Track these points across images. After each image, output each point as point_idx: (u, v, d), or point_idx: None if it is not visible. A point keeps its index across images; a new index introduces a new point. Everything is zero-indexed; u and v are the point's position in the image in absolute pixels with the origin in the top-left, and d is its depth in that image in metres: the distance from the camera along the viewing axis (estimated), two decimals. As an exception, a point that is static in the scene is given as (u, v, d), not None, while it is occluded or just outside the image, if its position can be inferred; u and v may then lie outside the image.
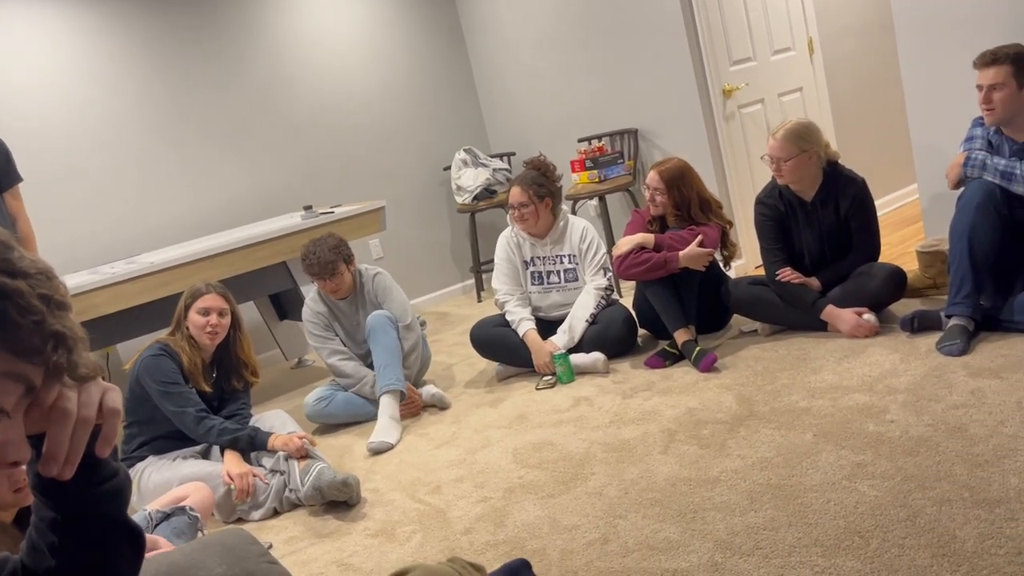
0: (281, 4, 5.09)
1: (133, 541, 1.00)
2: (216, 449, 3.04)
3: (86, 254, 4.40)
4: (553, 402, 3.34)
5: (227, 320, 3.07)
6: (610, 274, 3.76)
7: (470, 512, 2.55)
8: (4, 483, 1.51)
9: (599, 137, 5.00)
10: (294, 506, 2.91)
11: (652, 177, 3.57)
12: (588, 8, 4.87)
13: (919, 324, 3.07)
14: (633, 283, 3.71)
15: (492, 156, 5.60)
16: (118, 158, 4.54)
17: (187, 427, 2.97)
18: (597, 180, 4.78)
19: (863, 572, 1.80)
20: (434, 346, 4.47)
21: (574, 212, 4.87)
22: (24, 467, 0.91)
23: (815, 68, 4.92)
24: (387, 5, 5.52)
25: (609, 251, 3.91)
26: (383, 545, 2.49)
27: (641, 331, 3.79)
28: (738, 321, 3.70)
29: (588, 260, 3.73)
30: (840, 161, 3.39)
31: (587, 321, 3.64)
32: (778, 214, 3.42)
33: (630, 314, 3.70)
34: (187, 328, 3.05)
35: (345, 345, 3.71)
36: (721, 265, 3.71)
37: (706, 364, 3.25)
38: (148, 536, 1.32)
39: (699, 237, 3.43)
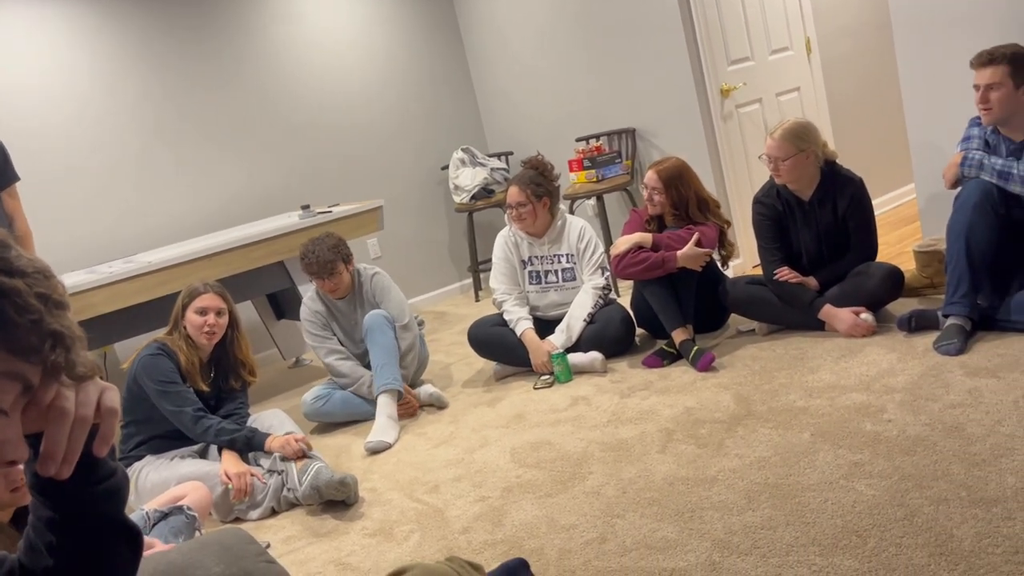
0: (279, 4, 5.08)
1: (131, 540, 1.00)
2: (214, 448, 3.03)
3: (84, 253, 4.40)
4: (551, 401, 3.34)
5: (225, 320, 3.07)
6: (608, 273, 3.76)
7: (468, 511, 2.55)
8: (1, 482, 1.52)
9: (597, 136, 5.00)
10: (292, 505, 2.91)
11: (650, 176, 3.57)
12: (586, 7, 4.87)
13: (916, 323, 3.08)
14: (631, 282, 3.71)
15: (490, 156, 5.60)
16: (116, 158, 4.54)
17: (185, 426, 2.97)
18: (595, 180, 4.78)
19: (860, 571, 1.80)
20: (432, 345, 4.47)
21: (572, 212, 4.87)
22: (22, 466, 0.91)
23: (813, 68, 4.92)
24: (385, 4, 5.52)
25: (607, 250, 3.91)
26: (381, 544, 2.49)
27: (639, 330, 3.79)
28: (736, 320, 3.70)
29: (586, 259, 3.73)
30: (838, 161, 3.39)
31: (585, 320, 3.64)
32: (776, 213, 3.42)
33: (628, 313, 3.70)
34: (185, 328, 3.04)
35: (343, 344, 3.71)
36: (719, 264, 3.71)
37: (704, 363, 3.25)
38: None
39: (696, 236, 3.43)
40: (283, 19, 5.09)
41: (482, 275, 5.37)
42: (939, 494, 2.02)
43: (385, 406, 3.41)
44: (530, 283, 3.85)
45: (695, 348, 3.33)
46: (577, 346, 3.62)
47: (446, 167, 5.60)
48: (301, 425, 3.35)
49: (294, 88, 5.14)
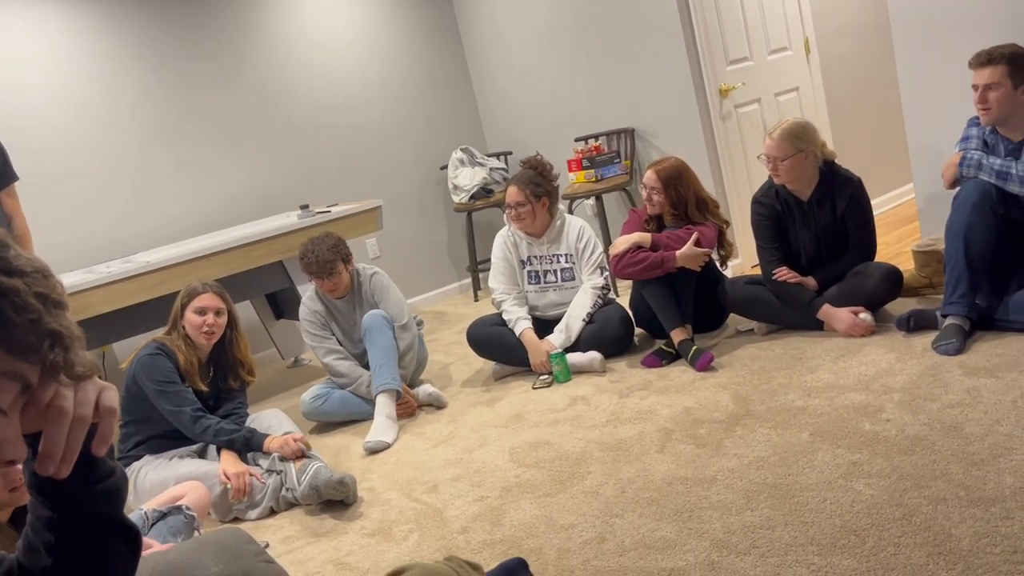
0: (278, 4, 5.08)
1: (129, 540, 1.00)
2: (213, 448, 3.03)
3: (83, 253, 4.40)
4: (550, 401, 3.34)
5: (224, 319, 3.07)
6: (607, 273, 3.76)
7: (467, 511, 2.55)
8: (0, 482, 1.51)
9: (596, 136, 5.00)
10: (291, 505, 2.91)
11: (649, 176, 3.58)
12: (585, 8, 4.87)
13: (915, 323, 3.08)
14: (630, 282, 3.71)
15: (489, 155, 5.60)
16: (115, 157, 4.53)
17: (183, 426, 2.97)
18: (594, 179, 4.78)
19: (859, 571, 1.80)
20: (431, 345, 4.47)
21: (571, 211, 4.87)
22: (20, 466, 0.91)
23: (812, 68, 4.92)
24: (384, 5, 5.51)
25: (606, 250, 3.91)
26: (380, 544, 2.49)
27: (638, 330, 3.79)
28: (734, 320, 3.70)
29: (585, 259, 3.73)
30: (836, 161, 3.39)
31: (584, 320, 3.65)
32: (775, 213, 3.42)
33: (627, 313, 3.70)
34: (183, 327, 3.04)
35: (341, 344, 3.71)
36: (718, 264, 3.71)
37: (702, 363, 3.25)
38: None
39: (695, 236, 3.43)
40: (283, 19, 5.09)
41: (481, 275, 5.37)
42: (937, 494, 2.02)
43: (384, 406, 3.41)
44: (529, 283, 3.85)
45: (694, 348, 3.33)
46: (576, 346, 3.62)
47: (445, 167, 5.60)
48: (300, 425, 3.35)
49: (293, 88, 5.14)
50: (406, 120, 5.61)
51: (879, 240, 3.49)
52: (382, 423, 3.35)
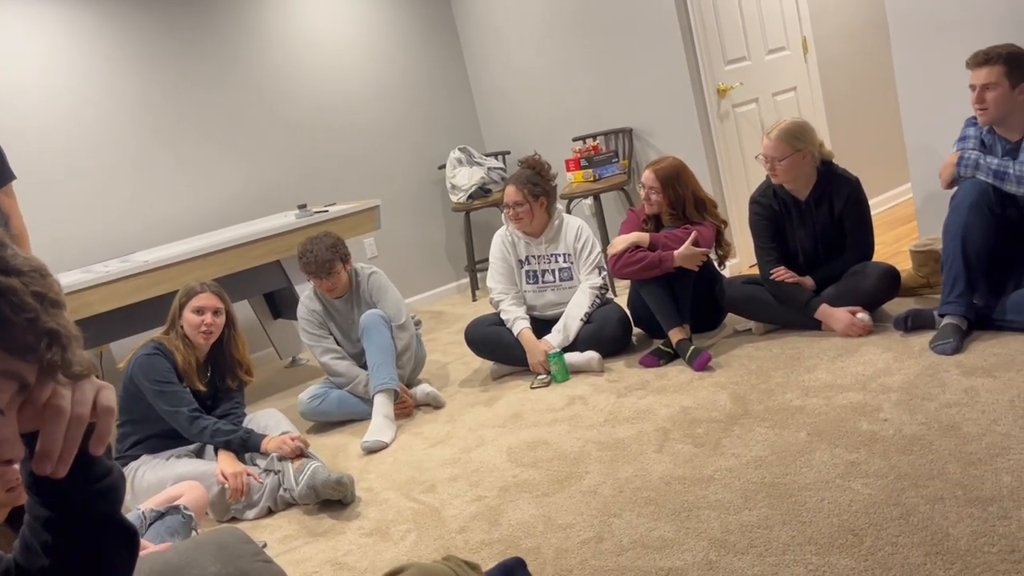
0: (277, 4, 5.08)
1: (127, 540, 1.00)
2: (210, 448, 3.03)
3: (81, 252, 4.39)
4: (548, 401, 3.34)
5: (222, 319, 3.07)
6: (605, 273, 3.76)
7: (465, 511, 2.55)
8: (-3, 482, 1.51)
9: (594, 136, 5.00)
10: (288, 505, 2.90)
11: (647, 176, 3.58)
12: (583, 7, 4.87)
13: (912, 323, 3.08)
14: (628, 282, 3.71)
15: (487, 155, 5.60)
16: (114, 157, 4.53)
17: (180, 427, 2.97)
18: (592, 179, 4.78)
19: (857, 570, 1.80)
20: (429, 345, 4.47)
21: (569, 211, 4.87)
22: (17, 466, 0.91)
23: (809, 68, 4.93)
24: (382, 4, 5.51)
25: (604, 250, 3.91)
26: (378, 544, 2.48)
27: (636, 330, 3.79)
28: (732, 320, 3.71)
29: (583, 259, 3.73)
30: (834, 161, 3.40)
31: (582, 320, 3.65)
32: (772, 213, 3.42)
33: (625, 313, 3.70)
34: (181, 327, 3.04)
35: (339, 344, 3.71)
36: (716, 264, 3.72)
37: (700, 363, 3.26)
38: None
39: (694, 236, 3.44)
40: (281, 19, 5.09)
41: (479, 274, 5.37)
42: (935, 493, 2.02)
43: (381, 406, 3.41)
44: (527, 283, 3.85)
45: (692, 347, 3.33)
46: (574, 345, 3.62)
47: (443, 166, 5.59)
48: (297, 425, 3.35)
49: (291, 87, 5.13)
50: (404, 120, 5.61)
51: (877, 240, 3.49)
52: (380, 423, 3.35)
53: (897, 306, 3.35)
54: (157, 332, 3.12)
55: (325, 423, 3.69)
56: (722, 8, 4.48)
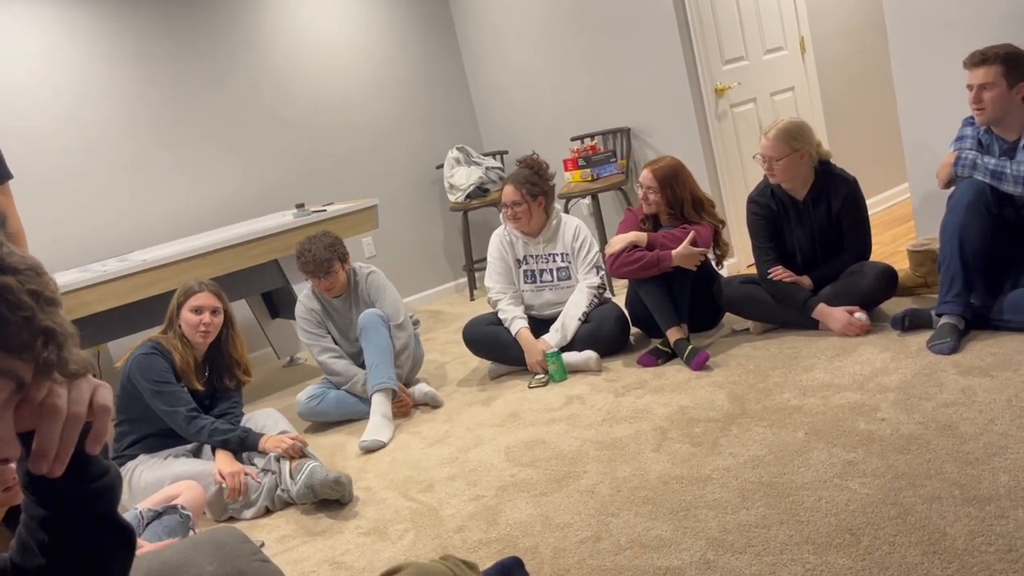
0: (275, 4, 5.07)
1: (124, 539, 1.00)
2: (208, 447, 3.03)
3: (78, 252, 4.39)
4: (545, 400, 3.34)
5: (220, 319, 3.06)
6: (603, 272, 3.76)
7: (463, 510, 2.55)
8: (-6, 481, 1.51)
9: (592, 136, 5.00)
10: (286, 504, 2.90)
11: (645, 175, 3.58)
12: (581, 6, 4.87)
13: (910, 323, 3.09)
14: (626, 281, 3.71)
15: (485, 154, 5.60)
16: (112, 157, 4.52)
17: (178, 426, 2.96)
18: (590, 179, 4.78)
19: (854, 569, 1.81)
20: (427, 344, 4.47)
21: (567, 211, 4.87)
22: (14, 465, 0.91)
23: (807, 67, 4.93)
24: (380, 4, 5.51)
25: (602, 250, 3.91)
26: (375, 543, 2.48)
27: (633, 329, 3.79)
28: (730, 319, 3.71)
29: (581, 258, 3.73)
30: (832, 160, 3.40)
31: (580, 319, 3.65)
32: (770, 213, 3.42)
33: (622, 312, 3.70)
34: (180, 326, 3.04)
35: (337, 343, 3.71)
36: (713, 264, 3.72)
37: (698, 362, 3.26)
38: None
39: (692, 235, 3.44)
40: (279, 18, 5.09)
41: (477, 274, 5.37)
42: (932, 493, 2.02)
43: (379, 405, 3.40)
44: (525, 282, 3.85)
45: (689, 347, 3.33)
46: (572, 345, 3.62)
47: (441, 166, 5.59)
48: (295, 424, 3.35)
49: (289, 87, 5.13)
50: (402, 119, 5.61)
51: (874, 240, 3.49)
52: (378, 422, 3.34)
53: (894, 306, 3.35)
54: (155, 331, 3.12)
55: (323, 423, 3.68)
56: (720, 7, 4.48)
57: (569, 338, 3.63)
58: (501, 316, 3.75)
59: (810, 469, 2.28)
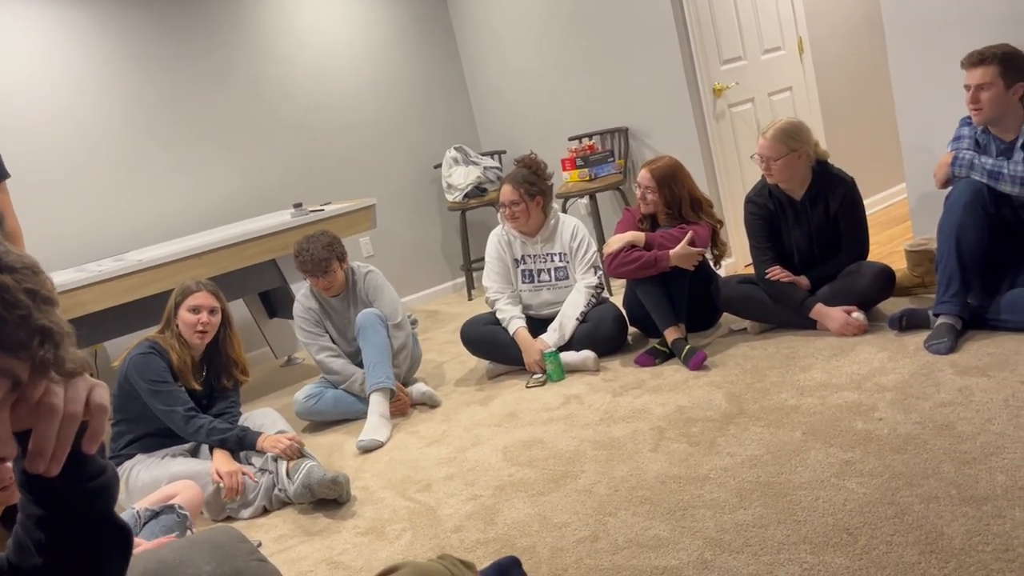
0: (273, 4, 5.07)
1: (121, 539, 1.00)
2: (205, 447, 3.02)
3: (75, 251, 4.38)
4: (543, 400, 3.34)
5: (217, 318, 3.06)
6: (600, 272, 3.76)
7: (460, 510, 2.55)
8: (-10, 480, 1.51)
9: (590, 136, 5.01)
10: (284, 504, 2.90)
11: (643, 175, 3.58)
12: (579, 7, 4.87)
13: (907, 322, 3.09)
14: (623, 281, 3.72)
15: (483, 154, 5.60)
16: (109, 156, 4.52)
17: (176, 426, 2.96)
18: (588, 178, 4.78)
19: (851, 569, 1.81)
20: (425, 344, 4.47)
21: (565, 210, 4.87)
22: (10, 464, 0.90)
23: (805, 68, 4.93)
24: (378, 4, 5.51)
25: (599, 249, 3.91)
26: (373, 543, 2.48)
27: (631, 329, 3.79)
28: (728, 319, 3.71)
29: (579, 258, 3.73)
30: (829, 160, 3.40)
31: (577, 319, 3.65)
32: (768, 213, 3.43)
33: (620, 312, 3.70)
34: (177, 326, 3.03)
35: (335, 343, 3.70)
36: (711, 264, 3.72)
37: (696, 362, 3.26)
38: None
39: (690, 235, 3.44)
40: (277, 18, 5.08)
41: (475, 274, 5.36)
42: (930, 492, 2.03)
43: (377, 404, 3.40)
44: (523, 282, 3.85)
45: (687, 347, 3.33)
46: (570, 345, 3.62)
47: (439, 166, 5.59)
48: (293, 424, 3.35)
49: (287, 87, 5.13)
50: (400, 119, 5.60)
51: (871, 240, 3.50)
52: (375, 422, 3.34)
53: (892, 306, 3.35)
54: (152, 331, 3.12)
55: (321, 422, 3.68)
56: (718, 8, 4.49)
57: (567, 338, 3.63)
58: (499, 316, 3.75)
59: (807, 469, 2.29)
